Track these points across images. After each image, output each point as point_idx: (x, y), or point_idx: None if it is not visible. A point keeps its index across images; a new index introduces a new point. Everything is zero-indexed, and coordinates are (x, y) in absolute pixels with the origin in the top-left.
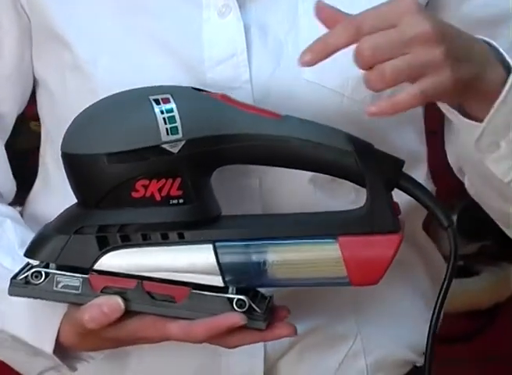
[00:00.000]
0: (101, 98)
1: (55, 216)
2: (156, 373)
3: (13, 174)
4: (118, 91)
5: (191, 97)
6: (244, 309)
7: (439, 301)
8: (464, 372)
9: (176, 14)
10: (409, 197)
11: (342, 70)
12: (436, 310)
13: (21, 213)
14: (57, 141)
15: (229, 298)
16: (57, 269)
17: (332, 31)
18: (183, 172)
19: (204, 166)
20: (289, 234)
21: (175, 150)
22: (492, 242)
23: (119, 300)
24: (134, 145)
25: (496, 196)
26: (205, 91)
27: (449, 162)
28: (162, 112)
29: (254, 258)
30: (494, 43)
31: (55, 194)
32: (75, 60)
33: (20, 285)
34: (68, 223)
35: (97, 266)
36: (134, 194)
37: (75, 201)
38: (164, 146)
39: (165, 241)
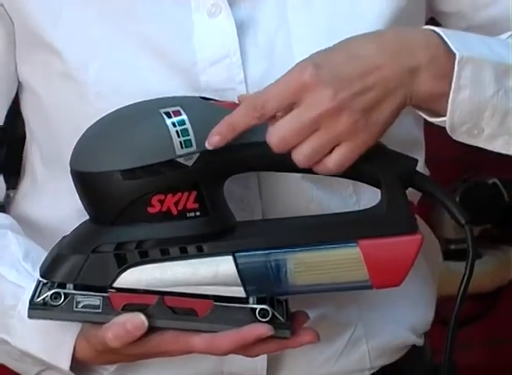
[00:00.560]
0: (92, 102)
1: (46, 216)
2: (160, 366)
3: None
4: (111, 96)
5: (201, 107)
6: (268, 319)
7: (459, 298)
8: (467, 355)
9: (165, 17)
10: None
11: None
12: (456, 309)
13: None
14: (44, 142)
15: (251, 309)
16: (74, 288)
17: (237, 113)
18: (198, 184)
19: (218, 176)
20: (308, 240)
21: (189, 163)
22: (493, 225)
23: (142, 317)
24: (148, 161)
25: None
26: (213, 99)
27: None
28: (175, 125)
29: (275, 266)
30: (437, 29)
31: (43, 194)
32: (64, 67)
33: (39, 307)
34: (84, 242)
35: (116, 284)
36: (150, 210)
37: (64, 200)
38: (178, 160)
39: (183, 254)
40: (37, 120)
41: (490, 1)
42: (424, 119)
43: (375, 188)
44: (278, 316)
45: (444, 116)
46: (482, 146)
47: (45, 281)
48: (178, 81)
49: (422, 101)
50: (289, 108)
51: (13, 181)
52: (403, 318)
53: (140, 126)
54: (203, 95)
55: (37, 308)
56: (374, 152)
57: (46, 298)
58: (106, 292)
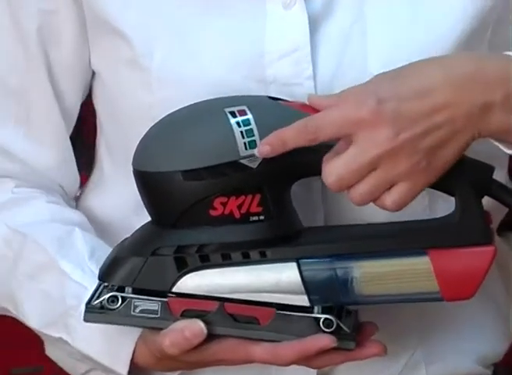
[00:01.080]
0: (154, 91)
1: (109, 212)
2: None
3: None
4: (173, 85)
5: (268, 107)
6: (332, 329)
7: None
8: None
9: (238, 6)
10: None
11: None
12: None
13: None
14: (110, 133)
15: (315, 318)
16: (133, 292)
17: (290, 131)
18: (262, 187)
19: (283, 179)
20: (376, 248)
21: (254, 165)
22: None
23: (201, 324)
24: (211, 161)
25: None
26: (283, 99)
27: None
28: (239, 125)
29: (341, 274)
30: None
31: (108, 188)
32: (131, 53)
33: (96, 311)
34: (144, 244)
35: (175, 289)
36: (212, 212)
37: (127, 196)
38: (242, 161)
39: (246, 260)
40: (104, 110)
41: None
42: None
43: (452, 200)
44: (343, 326)
45: None
46: None
47: (106, 284)
48: (243, 72)
49: (493, 136)
50: (345, 143)
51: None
52: (468, 347)
53: (202, 125)
54: (269, 90)
55: (94, 312)
56: None
57: (103, 302)
58: (165, 297)
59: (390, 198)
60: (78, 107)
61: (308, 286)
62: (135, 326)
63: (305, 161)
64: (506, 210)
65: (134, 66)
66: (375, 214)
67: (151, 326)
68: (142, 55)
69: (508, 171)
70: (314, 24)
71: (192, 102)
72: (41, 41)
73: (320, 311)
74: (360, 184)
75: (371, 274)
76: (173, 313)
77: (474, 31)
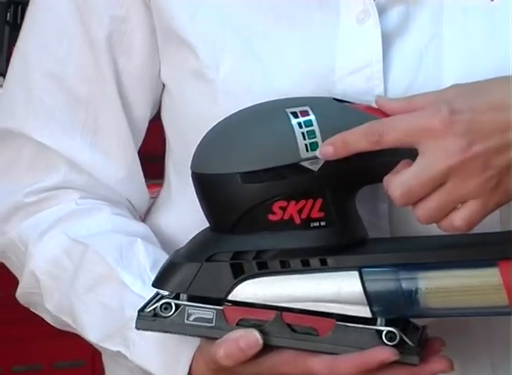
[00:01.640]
0: (220, 102)
1: (174, 231)
2: None
3: None
4: (239, 97)
5: (332, 109)
6: (395, 342)
7: None
8: None
9: (310, 20)
10: None
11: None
12: None
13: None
14: (176, 147)
15: (377, 331)
16: (188, 300)
17: (354, 133)
18: (324, 192)
19: (347, 184)
20: (442, 259)
21: (315, 168)
22: None
23: (256, 334)
24: (270, 163)
25: None
26: (348, 101)
27: None
28: (301, 126)
29: (405, 285)
30: None
31: (175, 206)
32: (197, 64)
33: (148, 318)
34: (199, 250)
35: (231, 297)
36: (271, 217)
37: (194, 217)
38: (303, 164)
39: (305, 268)
40: (170, 126)
41: None
42: None
43: None
44: (407, 340)
45: None
46: None
47: (165, 293)
48: (312, 87)
49: None
50: (407, 163)
51: None
52: None
53: (262, 125)
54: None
55: (146, 319)
56: None
57: (156, 309)
58: (220, 305)
59: (460, 216)
60: (147, 121)
61: (370, 296)
62: (188, 334)
63: (370, 166)
64: None
65: (200, 77)
66: None
67: (205, 335)
68: (208, 67)
69: None
70: (388, 40)
71: None
72: (110, 49)
73: (383, 323)
74: (428, 200)
75: (437, 285)
76: (228, 322)
77: None
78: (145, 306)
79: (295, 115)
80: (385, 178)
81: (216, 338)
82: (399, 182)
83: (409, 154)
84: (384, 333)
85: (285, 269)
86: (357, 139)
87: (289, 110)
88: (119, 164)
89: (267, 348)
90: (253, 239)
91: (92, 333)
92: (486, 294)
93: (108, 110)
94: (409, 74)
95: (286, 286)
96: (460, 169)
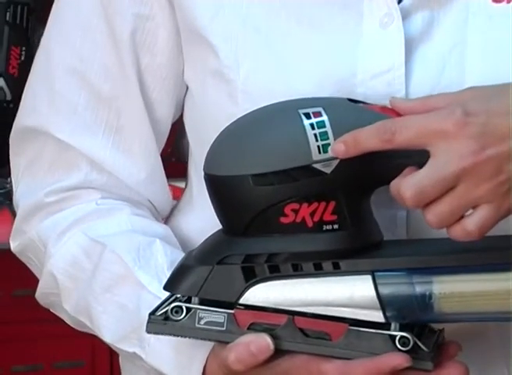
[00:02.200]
0: (240, 103)
1: (194, 234)
2: None
3: None
4: (259, 98)
5: (346, 109)
6: (408, 348)
7: None
8: None
9: (332, 22)
10: None
11: None
12: None
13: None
14: (196, 150)
15: (391, 336)
16: (199, 303)
17: (365, 130)
18: (337, 194)
19: (360, 187)
20: (457, 263)
21: (328, 170)
22: None
23: (268, 339)
24: (282, 165)
25: None
26: (363, 102)
27: None
28: (313, 128)
29: (419, 290)
30: None
31: (196, 209)
32: (217, 64)
33: (159, 321)
34: (210, 253)
35: (243, 300)
36: (283, 220)
37: (215, 219)
38: (315, 166)
39: (318, 271)
40: (191, 125)
41: None
42: None
43: None
44: (421, 345)
45: None
46: None
47: (179, 296)
48: (332, 90)
49: None
50: (413, 169)
51: None
52: None
53: (274, 126)
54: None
55: (157, 322)
56: None
57: (167, 312)
58: (231, 308)
59: (472, 221)
60: (169, 122)
61: (383, 301)
62: (199, 338)
63: (383, 168)
64: None
65: (220, 76)
66: None
67: (216, 339)
68: (228, 67)
69: None
70: (411, 45)
71: None
72: (134, 47)
73: (397, 328)
74: (440, 204)
75: (451, 290)
76: (240, 326)
77: None
78: (157, 309)
79: (307, 116)
80: (393, 182)
81: (227, 342)
82: (410, 183)
83: (421, 157)
84: (397, 338)
85: (297, 272)
86: (368, 137)
87: (301, 111)
88: (141, 164)
89: (279, 352)
90: (265, 242)
91: (108, 334)
92: (501, 299)
93: (130, 109)
94: (431, 80)
95: (298, 290)
96: (472, 172)
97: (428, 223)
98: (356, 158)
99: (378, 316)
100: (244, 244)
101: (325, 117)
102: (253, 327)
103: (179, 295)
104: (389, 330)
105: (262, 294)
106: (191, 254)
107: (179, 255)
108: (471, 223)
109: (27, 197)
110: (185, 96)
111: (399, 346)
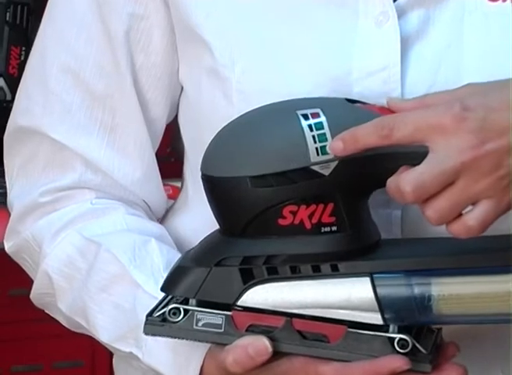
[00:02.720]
0: (235, 103)
1: (190, 235)
2: None
3: None
4: (254, 97)
5: (344, 110)
6: (407, 350)
7: None
8: None
9: (327, 21)
10: None
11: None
12: None
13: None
14: (191, 152)
15: (389, 338)
16: (197, 305)
17: (363, 127)
18: (335, 196)
19: (359, 189)
20: (456, 265)
21: (326, 172)
22: None
23: (266, 341)
24: (280, 167)
25: None
26: (361, 102)
27: None
28: (311, 129)
29: (417, 292)
30: None
31: (191, 211)
32: (213, 62)
33: (156, 323)
34: (208, 254)
35: (241, 302)
36: (281, 222)
37: (211, 220)
38: (314, 168)
39: (316, 273)
40: (186, 126)
41: None
42: None
43: None
44: (419, 347)
45: None
46: None
47: (173, 297)
48: (328, 89)
49: None
50: (408, 167)
51: None
52: None
53: (272, 128)
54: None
55: (154, 324)
56: None
57: (165, 314)
58: (229, 310)
59: (473, 216)
60: (164, 122)
61: (382, 303)
62: (197, 340)
63: (382, 170)
64: None
65: (215, 75)
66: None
67: (214, 341)
68: (223, 65)
69: None
70: (407, 43)
71: None
72: (128, 46)
73: (396, 330)
74: (440, 199)
75: (450, 292)
76: (238, 328)
77: None
78: (154, 310)
79: (306, 117)
80: (391, 179)
81: (225, 344)
82: (410, 177)
83: (419, 157)
84: (396, 340)
85: (295, 274)
86: (366, 134)
87: (299, 112)
88: (136, 164)
89: (277, 354)
90: (263, 244)
91: (104, 334)
92: (501, 302)
93: (125, 108)
94: (427, 78)
95: (296, 292)
96: (471, 166)
97: (428, 218)
98: (354, 160)
99: (376, 318)
100: (242, 245)
101: (323, 118)
102: (251, 329)
103: (173, 296)
104: (387, 332)
105: (260, 296)
106: (188, 254)
107: (175, 255)
108: (472, 219)
109: (22, 197)
110: (180, 96)
111: (397, 348)
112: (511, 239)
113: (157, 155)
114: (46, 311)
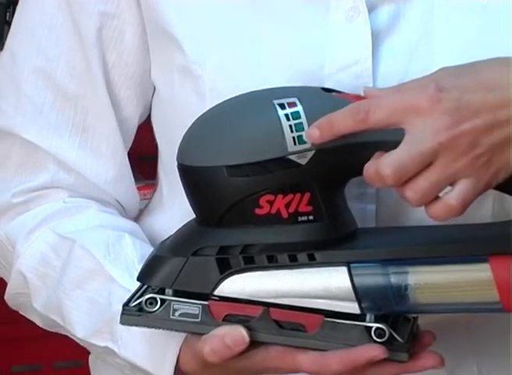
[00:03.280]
0: (207, 100)
1: (165, 234)
2: None
3: None
4: (227, 94)
5: (320, 99)
6: (384, 339)
7: None
8: None
9: (299, 17)
10: None
11: None
12: None
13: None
14: (164, 151)
15: (366, 327)
16: (173, 295)
17: (339, 112)
18: (312, 186)
19: (336, 178)
20: (432, 254)
21: (303, 161)
22: None
23: (243, 331)
24: (257, 157)
25: None
26: (336, 91)
27: None
28: (288, 119)
29: (394, 281)
30: None
31: (166, 210)
32: (184, 60)
33: (133, 313)
34: (185, 244)
35: (217, 292)
36: (258, 211)
37: (186, 219)
38: (290, 157)
39: (293, 263)
40: (159, 125)
41: None
42: None
43: None
44: (396, 336)
45: None
46: None
47: (149, 286)
48: (301, 84)
49: None
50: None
51: None
52: None
53: (249, 117)
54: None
55: (131, 314)
56: None
57: (141, 304)
58: (206, 300)
59: (453, 196)
60: (136, 121)
61: (359, 292)
62: (174, 330)
63: (358, 159)
64: None
65: (187, 73)
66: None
67: (191, 330)
68: (195, 62)
69: None
70: (378, 38)
71: None
72: (100, 45)
73: (372, 319)
74: (419, 180)
75: (426, 281)
76: (215, 318)
77: None
78: (130, 300)
79: (282, 106)
80: (368, 164)
81: (202, 334)
82: (389, 160)
83: (394, 146)
84: (373, 329)
85: (272, 264)
86: (342, 119)
87: (276, 101)
88: (109, 164)
89: (254, 343)
90: (240, 233)
91: (80, 330)
92: (477, 290)
93: (97, 108)
94: (398, 72)
95: (273, 281)
96: (448, 146)
97: (409, 200)
98: (331, 150)
99: (353, 308)
100: (219, 235)
101: (299, 107)
102: (228, 319)
103: (149, 286)
104: (364, 321)
105: (237, 285)
106: (164, 244)
107: (149, 249)
108: (452, 198)
109: None
110: (152, 95)
111: (374, 337)
112: (486, 228)
113: (146, 155)
114: (21, 312)
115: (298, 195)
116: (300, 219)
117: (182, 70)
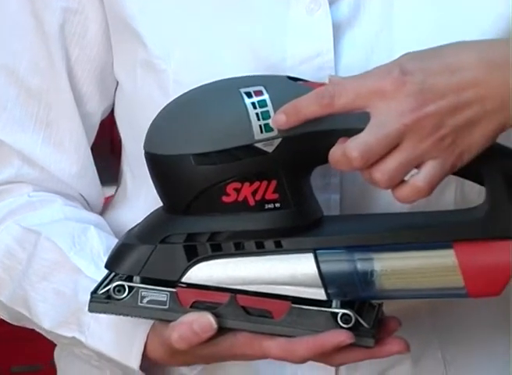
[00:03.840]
0: (171, 95)
1: (131, 226)
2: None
3: None
4: (191, 87)
5: (287, 88)
6: (350, 325)
7: None
8: None
9: (260, 10)
10: None
11: None
12: None
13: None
14: (128, 145)
15: (332, 313)
16: (141, 282)
17: (304, 97)
18: (278, 173)
19: (302, 165)
20: (397, 240)
21: (269, 149)
22: None
23: (210, 317)
24: (224, 145)
25: None
26: (302, 79)
27: None
28: (255, 107)
29: (360, 267)
30: None
31: (131, 203)
32: (147, 55)
33: (101, 300)
34: (153, 232)
35: (185, 279)
36: (225, 199)
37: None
38: (257, 145)
39: (260, 250)
40: (122, 119)
41: None
42: None
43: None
44: (362, 322)
45: None
46: None
47: (116, 274)
48: None
49: None
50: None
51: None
52: (501, 350)
53: (216, 106)
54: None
55: (99, 301)
56: None
57: (109, 291)
58: (174, 287)
59: (420, 178)
60: (99, 116)
61: (325, 279)
62: (142, 317)
63: (323, 146)
64: None
65: (150, 67)
66: (394, 203)
67: (159, 317)
68: (158, 57)
69: None
70: (339, 30)
71: None
72: (63, 41)
73: (339, 305)
74: (386, 161)
75: (392, 267)
76: (182, 305)
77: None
78: (98, 288)
79: (249, 95)
80: (334, 148)
81: (170, 321)
82: (356, 143)
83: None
84: (339, 315)
85: (239, 251)
86: (308, 104)
87: (243, 90)
88: (72, 158)
89: (222, 329)
90: (207, 221)
91: (46, 321)
92: (442, 276)
93: (60, 103)
94: (360, 64)
95: (240, 268)
96: (413, 128)
97: (377, 182)
98: (297, 137)
99: (320, 294)
100: (186, 222)
101: (266, 96)
102: (195, 306)
103: (117, 274)
104: (330, 307)
105: (204, 272)
106: (132, 232)
107: (114, 242)
108: (419, 180)
109: None
110: (116, 90)
111: (341, 323)
112: (451, 214)
113: None
114: None
115: (265, 183)
116: (266, 206)
117: (145, 64)
